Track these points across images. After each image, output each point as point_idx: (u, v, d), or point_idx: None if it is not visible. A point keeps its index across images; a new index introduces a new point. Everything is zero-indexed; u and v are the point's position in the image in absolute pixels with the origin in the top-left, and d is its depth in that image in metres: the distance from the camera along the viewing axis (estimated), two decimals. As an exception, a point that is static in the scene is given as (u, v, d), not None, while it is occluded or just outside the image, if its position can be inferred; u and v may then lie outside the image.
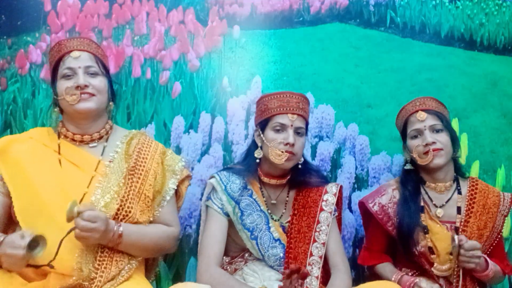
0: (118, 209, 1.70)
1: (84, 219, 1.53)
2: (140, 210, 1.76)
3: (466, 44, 2.73)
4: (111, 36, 2.66)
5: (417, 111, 2.00)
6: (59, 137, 1.81)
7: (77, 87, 1.73)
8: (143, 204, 1.77)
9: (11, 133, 2.50)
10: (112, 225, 1.63)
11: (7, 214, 1.72)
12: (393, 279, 1.90)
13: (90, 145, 1.81)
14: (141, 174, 1.79)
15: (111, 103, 1.87)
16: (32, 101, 2.56)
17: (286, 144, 1.82)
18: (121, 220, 1.70)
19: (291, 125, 1.84)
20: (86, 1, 2.67)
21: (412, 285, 1.83)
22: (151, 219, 1.80)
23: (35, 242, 1.51)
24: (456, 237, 1.78)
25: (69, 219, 1.53)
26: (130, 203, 1.72)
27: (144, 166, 1.81)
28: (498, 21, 2.74)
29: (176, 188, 1.88)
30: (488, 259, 1.86)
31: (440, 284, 1.91)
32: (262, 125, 1.90)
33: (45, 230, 1.55)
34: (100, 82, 1.78)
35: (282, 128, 1.85)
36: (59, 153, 1.77)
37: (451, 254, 1.91)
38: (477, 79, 2.66)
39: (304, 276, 1.55)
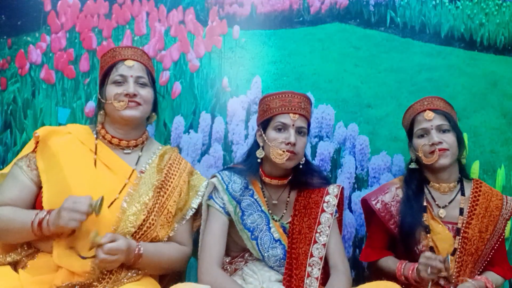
0: (144, 220, 1.73)
1: (105, 252, 1.55)
2: (161, 225, 1.80)
3: (466, 44, 2.72)
4: (111, 36, 2.66)
5: (424, 110, 2.00)
6: (96, 137, 1.85)
7: (126, 94, 1.79)
8: (164, 219, 1.81)
9: (11, 133, 2.50)
10: (133, 246, 1.66)
11: (31, 202, 1.74)
12: (398, 266, 1.90)
13: (125, 151, 1.87)
14: (167, 189, 1.85)
15: (153, 114, 1.94)
16: (32, 101, 2.56)
17: (288, 143, 1.82)
18: (144, 232, 1.73)
19: (293, 125, 1.84)
20: (86, 1, 2.67)
21: (415, 267, 1.83)
22: (170, 234, 1.84)
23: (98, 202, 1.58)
24: (449, 258, 1.75)
25: (91, 248, 1.56)
26: (155, 216, 1.76)
27: (172, 183, 1.87)
28: (498, 21, 2.74)
29: (197, 208, 1.93)
30: (485, 279, 1.86)
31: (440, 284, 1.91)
32: (264, 125, 1.90)
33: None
34: (147, 93, 1.85)
35: (283, 127, 1.85)
36: (95, 153, 1.81)
37: (452, 254, 1.92)
38: (477, 79, 2.66)
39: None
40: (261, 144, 1.90)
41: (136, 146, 1.89)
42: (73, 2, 2.66)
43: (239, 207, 1.88)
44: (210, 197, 1.91)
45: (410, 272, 1.85)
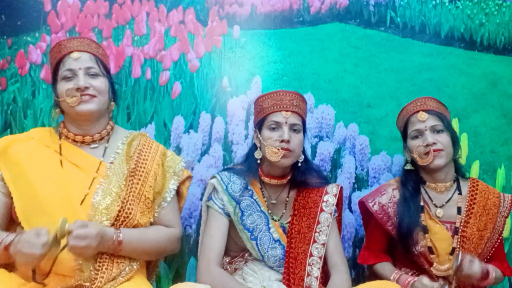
0: (119, 211, 1.70)
1: (73, 237, 1.52)
2: (141, 212, 1.76)
3: (466, 44, 2.72)
4: (111, 36, 2.66)
5: (418, 111, 2.00)
6: (60, 137, 1.81)
7: (78, 88, 1.73)
8: (143, 205, 1.77)
9: (11, 133, 2.50)
10: (110, 234, 1.63)
11: (8, 214, 1.72)
12: (392, 278, 1.91)
13: (91, 146, 1.81)
14: (141, 175, 1.79)
15: (112, 103, 1.86)
16: (32, 101, 2.56)
17: (282, 141, 1.82)
18: (122, 222, 1.70)
19: (286, 122, 1.85)
20: (86, 1, 2.67)
21: (410, 283, 1.83)
22: (152, 220, 1.80)
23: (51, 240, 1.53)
24: (460, 256, 1.74)
25: (61, 237, 1.53)
26: (130, 204, 1.72)
27: (144, 168, 1.81)
28: (498, 21, 2.74)
29: (176, 189, 1.88)
30: (489, 268, 1.85)
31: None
32: (259, 125, 1.91)
33: None
34: (101, 83, 1.78)
35: (277, 126, 1.86)
36: (60, 154, 1.77)
37: (450, 254, 1.92)
38: (477, 79, 2.66)
39: None
40: (258, 145, 1.91)
41: (101, 139, 1.83)
42: (73, 2, 2.66)
43: (239, 208, 1.88)
44: (209, 198, 1.91)
45: (405, 285, 1.84)
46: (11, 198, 1.69)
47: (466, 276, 1.76)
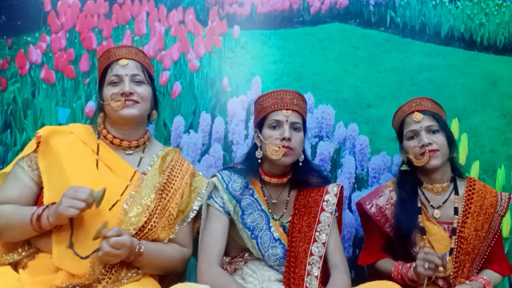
0: (145, 222, 1.72)
1: (110, 245, 1.54)
2: (162, 227, 1.79)
3: (466, 44, 2.72)
4: (111, 36, 2.66)
5: (413, 112, 2.00)
6: (98, 137, 1.85)
7: (123, 93, 1.78)
8: (165, 221, 1.81)
9: (11, 133, 2.50)
10: (135, 245, 1.65)
11: (32, 203, 1.74)
12: (395, 266, 1.90)
13: (127, 151, 1.86)
14: (169, 191, 1.84)
15: (154, 111, 1.93)
16: (32, 101, 2.56)
17: (283, 139, 1.82)
18: (145, 234, 1.72)
19: (286, 121, 1.85)
20: (86, 1, 2.67)
21: (412, 265, 1.82)
22: (171, 236, 1.84)
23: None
24: (447, 255, 1.75)
25: (96, 238, 1.55)
26: (156, 218, 1.75)
27: (174, 184, 1.86)
28: (498, 21, 2.74)
29: (198, 210, 1.92)
30: (482, 279, 1.85)
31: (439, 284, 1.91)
32: (260, 124, 1.91)
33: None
34: (144, 90, 1.83)
35: (277, 124, 1.86)
36: (97, 154, 1.80)
37: (449, 254, 1.92)
38: (477, 79, 2.66)
39: None
40: (259, 144, 1.91)
41: (137, 146, 1.88)
42: (73, 2, 2.67)
43: (239, 206, 1.88)
44: (210, 197, 1.91)
45: (406, 270, 1.84)
46: (41, 188, 1.72)
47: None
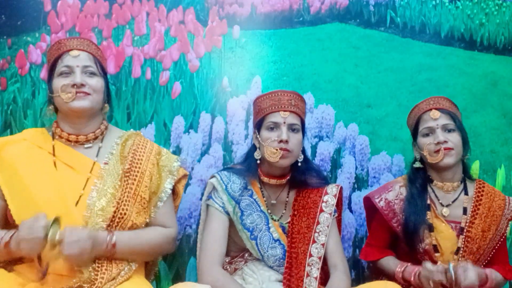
0: (115, 212, 1.69)
1: (66, 245, 1.51)
2: (136, 212, 1.75)
3: (466, 44, 2.73)
4: (111, 36, 2.66)
5: (431, 109, 2.01)
6: (53, 138, 1.80)
7: (73, 85, 1.73)
8: (139, 205, 1.77)
9: (11, 133, 2.50)
10: (103, 237, 1.62)
11: (3, 217, 1.72)
12: (397, 270, 1.90)
13: (85, 145, 1.80)
14: (136, 175, 1.78)
15: (106, 105, 1.86)
16: (32, 101, 2.56)
17: (280, 141, 1.82)
18: (117, 223, 1.69)
19: (284, 122, 1.84)
20: (86, 1, 2.67)
21: (417, 273, 1.82)
22: (148, 220, 1.80)
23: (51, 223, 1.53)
24: (451, 268, 1.71)
25: (53, 248, 1.52)
26: (125, 205, 1.72)
27: (139, 168, 1.80)
28: (498, 21, 2.74)
29: (172, 188, 1.88)
30: (487, 272, 1.84)
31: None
32: (258, 126, 1.90)
33: None
34: (96, 82, 1.78)
35: (275, 126, 1.85)
36: (53, 155, 1.76)
37: (455, 253, 1.92)
38: (477, 79, 2.66)
39: None
40: (257, 145, 1.91)
41: (95, 138, 1.81)
42: (73, 2, 2.67)
43: (238, 207, 1.88)
44: (209, 197, 1.91)
45: (412, 278, 1.84)
46: (6, 201, 1.68)
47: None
